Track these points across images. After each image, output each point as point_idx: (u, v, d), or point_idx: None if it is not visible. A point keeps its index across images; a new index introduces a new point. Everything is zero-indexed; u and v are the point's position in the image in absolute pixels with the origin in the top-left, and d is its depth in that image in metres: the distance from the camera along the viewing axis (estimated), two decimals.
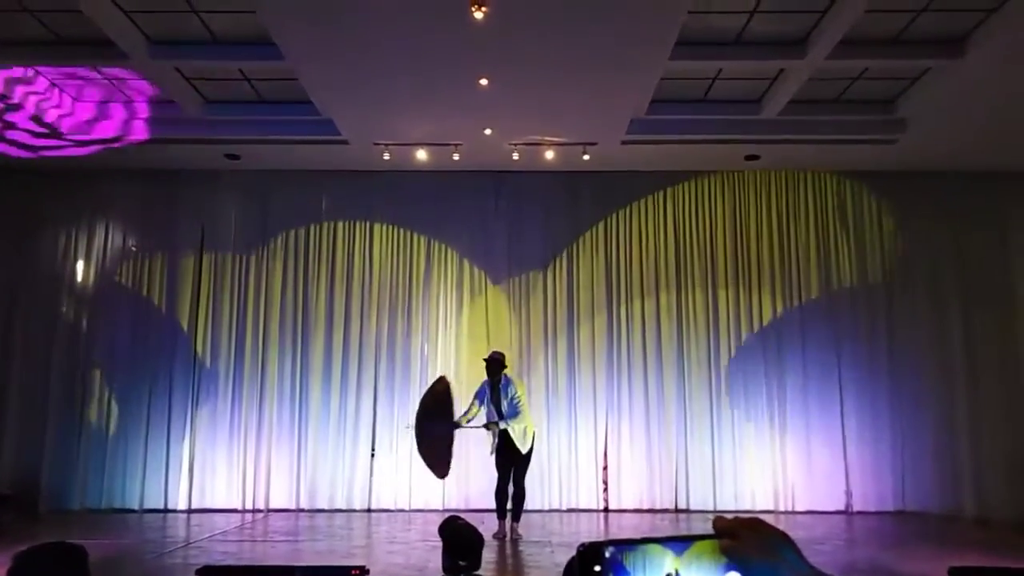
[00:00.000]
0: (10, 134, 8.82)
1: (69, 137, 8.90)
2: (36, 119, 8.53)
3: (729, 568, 0.83)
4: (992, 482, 9.15)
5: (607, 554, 0.83)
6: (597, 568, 0.82)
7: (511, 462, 7.64)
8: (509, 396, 7.65)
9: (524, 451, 7.60)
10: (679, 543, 0.84)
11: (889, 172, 9.70)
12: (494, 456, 7.73)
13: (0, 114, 8.36)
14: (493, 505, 7.69)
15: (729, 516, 0.87)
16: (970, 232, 9.74)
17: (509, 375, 7.87)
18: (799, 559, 0.83)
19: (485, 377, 7.86)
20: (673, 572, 0.82)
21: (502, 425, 7.58)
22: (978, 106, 7.98)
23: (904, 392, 9.57)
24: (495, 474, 7.74)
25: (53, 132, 8.80)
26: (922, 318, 9.69)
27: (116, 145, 9.01)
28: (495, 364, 7.81)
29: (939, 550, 6.88)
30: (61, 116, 8.68)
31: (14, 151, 9.13)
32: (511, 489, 7.68)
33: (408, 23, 6.47)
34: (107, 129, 8.84)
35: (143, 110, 8.82)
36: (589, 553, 0.83)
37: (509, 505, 7.66)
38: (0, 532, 7.53)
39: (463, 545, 4.97)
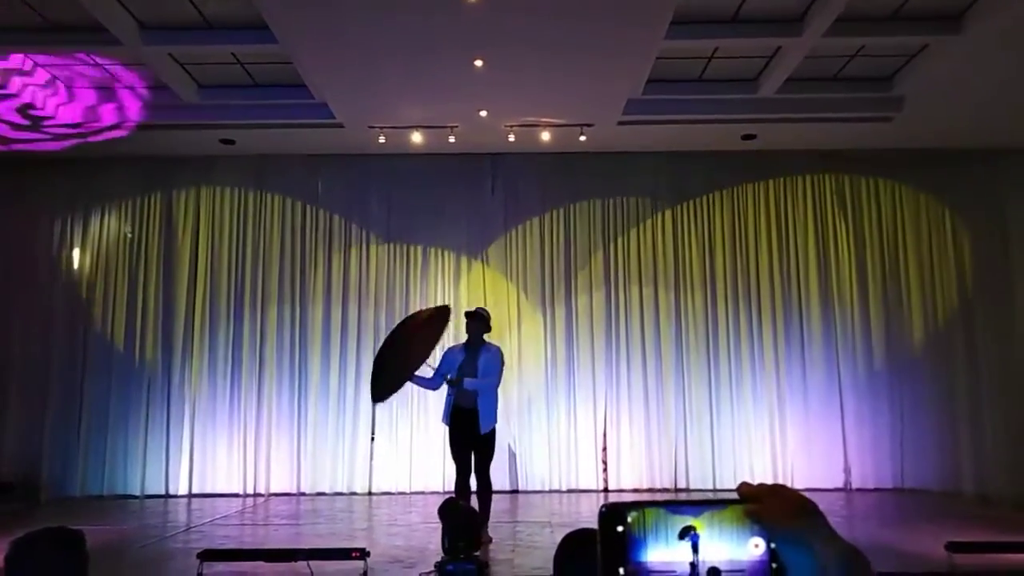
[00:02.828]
0: None
1: (48, 130, 8.77)
2: (23, 110, 8.41)
3: (752, 534, 0.82)
4: (991, 459, 9.18)
5: (629, 517, 0.82)
6: (620, 528, 0.82)
7: (468, 446, 6.36)
8: (488, 364, 6.41)
9: (484, 431, 6.30)
10: (702, 507, 0.83)
11: (887, 150, 9.67)
12: (448, 436, 6.51)
13: None
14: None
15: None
16: (968, 209, 9.73)
17: (494, 345, 6.64)
18: (825, 526, 0.82)
19: (462, 341, 6.67)
20: (694, 533, 0.81)
21: (467, 385, 6.28)
22: (976, 83, 7.94)
23: (902, 369, 9.59)
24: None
25: (34, 124, 8.68)
26: (920, 295, 9.70)
27: (97, 138, 8.92)
28: (480, 322, 6.55)
29: (938, 526, 6.91)
30: (58, 106, 8.57)
31: None
32: (473, 484, 6.41)
33: (402, 5, 6.42)
34: (96, 119, 8.74)
35: (132, 102, 8.70)
36: (611, 514, 0.83)
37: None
38: (2, 519, 7.56)
39: (464, 526, 4.96)
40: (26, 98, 8.26)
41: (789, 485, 0.83)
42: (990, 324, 9.54)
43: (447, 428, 6.51)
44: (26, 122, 8.67)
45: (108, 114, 8.69)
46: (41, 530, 2.12)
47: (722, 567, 0.81)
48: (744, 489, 0.84)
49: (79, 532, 2.15)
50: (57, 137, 8.98)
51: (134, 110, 8.70)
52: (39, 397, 9.53)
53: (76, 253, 9.97)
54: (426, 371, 6.51)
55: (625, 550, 0.81)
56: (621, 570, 0.80)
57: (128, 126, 8.80)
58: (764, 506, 0.81)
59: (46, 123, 8.72)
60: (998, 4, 6.67)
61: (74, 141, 9.06)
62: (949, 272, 9.71)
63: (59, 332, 9.71)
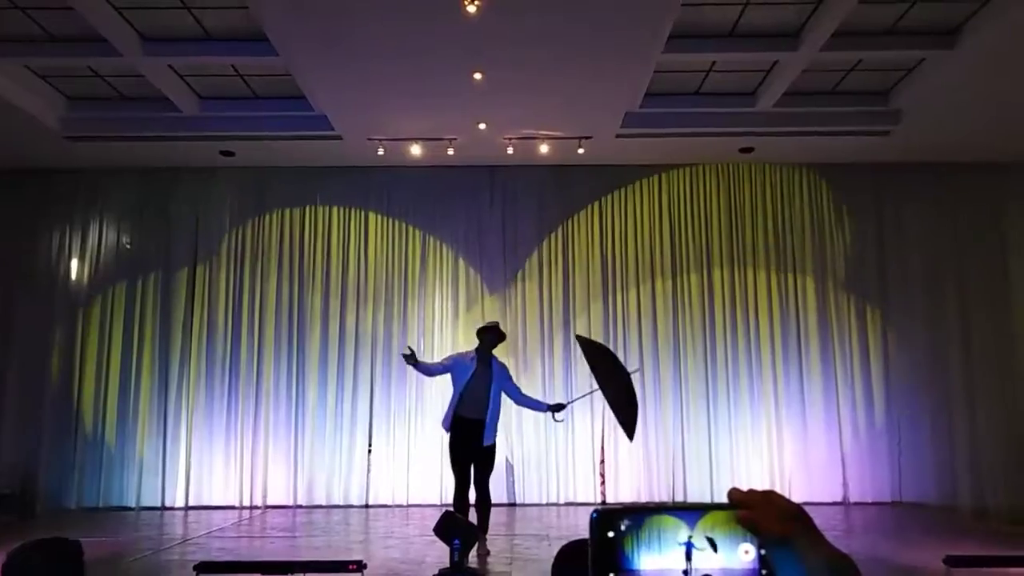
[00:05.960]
0: None
1: None
2: None
3: (743, 540, 0.82)
4: (988, 472, 9.16)
5: (623, 526, 0.82)
6: (611, 534, 0.82)
7: (469, 457, 6.32)
8: (503, 384, 6.45)
9: (488, 442, 6.30)
10: (693, 513, 0.83)
11: (884, 163, 9.70)
12: (449, 447, 6.45)
13: None
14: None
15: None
16: (965, 222, 9.75)
17: (503, 363, 6.73)
18: (814, 532, 0.82)
19: (473, 351, 6.60)
20: (687, 540, 0.81)
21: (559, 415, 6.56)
22: (973, 97, 7.97)
23: (900, 383, 9.58)
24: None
25: None
26: (917, 308, 9.70)
27: None
28: (498, 336, 6.58)
29: (936, 540, 6.89)
30: None
31: None
32: (472, 496, 6.36)
33: (401, 18, 6.46)
34: None
35: None
36: (603, 519, 0.82)
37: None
38: None
39: (470, 541, 5.02)
40: None
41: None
42: (988, 336, 9.54)
43: (448, 438, 6.47)
44: None
45: None
46: (39, 540, 2.12)
47: (715, 574, 0.81)
48: (735, 495, 0.84)
49: (77, 543, 2.14)
50: None
51: None
52: (36, 408, 9.50)
53: (74, 264, 9.97)
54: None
55: (616, 556, 0.81)
56: None
57: None
58: (754, 512, 0.82)
59: None
60: (993, 18, 6.72)
61: None
62: (946, 284, 9.72)
63: (57, 343, 9.68)
